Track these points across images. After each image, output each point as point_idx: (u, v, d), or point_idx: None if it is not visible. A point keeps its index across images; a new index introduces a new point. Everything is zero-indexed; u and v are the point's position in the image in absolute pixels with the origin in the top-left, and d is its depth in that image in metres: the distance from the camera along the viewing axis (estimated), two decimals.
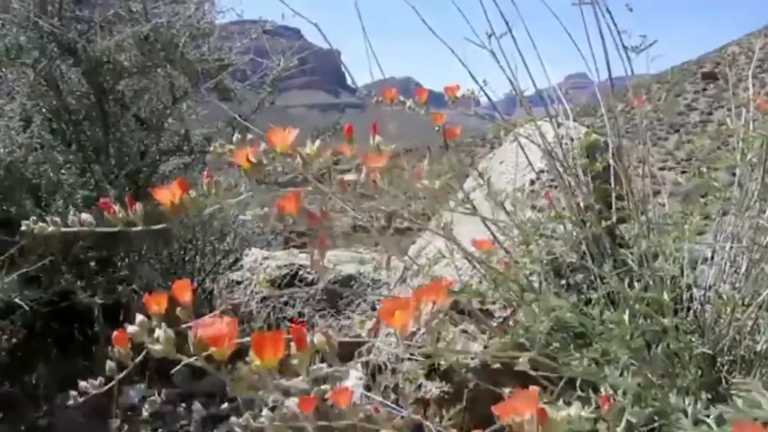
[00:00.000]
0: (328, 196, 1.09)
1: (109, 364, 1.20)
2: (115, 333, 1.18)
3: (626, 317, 1.42)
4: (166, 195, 1.12)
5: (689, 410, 1.20)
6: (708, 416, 1.19)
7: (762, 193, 1.77)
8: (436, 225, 1.46)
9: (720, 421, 1.17)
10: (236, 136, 1.20)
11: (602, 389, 1.27)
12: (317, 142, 1.16)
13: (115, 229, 1.16)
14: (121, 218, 1.16)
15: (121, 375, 1.18)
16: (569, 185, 2.03)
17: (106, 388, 1.19)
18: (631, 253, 1.63)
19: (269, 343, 0.86)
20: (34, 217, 1.21)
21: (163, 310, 1.06)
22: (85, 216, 1.19)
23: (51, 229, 1.18)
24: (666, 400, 1.27)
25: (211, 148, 1.30)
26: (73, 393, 1.22)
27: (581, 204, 1.93)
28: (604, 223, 1.81)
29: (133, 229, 1.15)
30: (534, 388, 0.85)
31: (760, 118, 1.89)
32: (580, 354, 1.47)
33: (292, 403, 0.91)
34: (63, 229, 1.18)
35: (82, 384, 1.20)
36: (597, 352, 1.45)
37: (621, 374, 1.36)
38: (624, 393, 1.28)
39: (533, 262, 1.73)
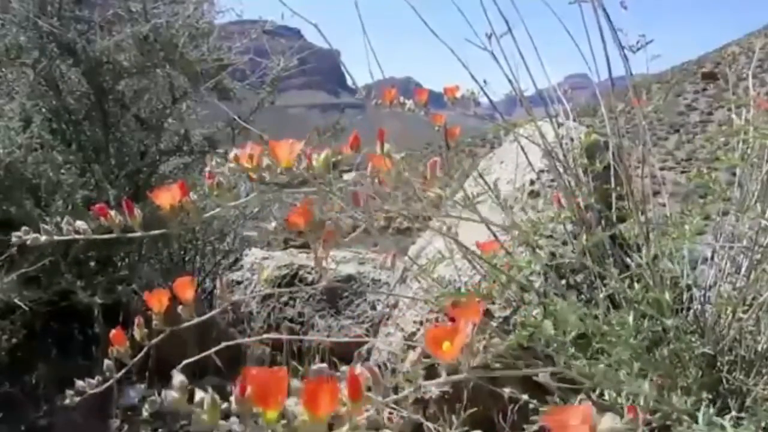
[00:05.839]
0: (328, 197, 1.08)
1: (107, 363, 1.19)
2: (112, 332, 1.17)
3: (630, 318, 1.42)
4: (166, 198, 1.10)
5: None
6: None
7: (762, 193, 1.76)
8: (437, 225, 1.46)
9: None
10: (235, 150, 1.17)
11: (606, 393, 1.27)
12: (324, 153, 1.14)
13: (113, 236, 1.15)
14: (118, 224, 1.15)
15: (119, 374, 1.18)
16: (569, 185, 2.03)
17: (104, 386, 1.19)
18: (631, 252, 1.63)
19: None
20: (26, 228, 1.19)
21: (164, 308, 1.06)
22: (80, 223, 1.17)
23: (44, 238, 1.17)
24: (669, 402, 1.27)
25: (211, 164, 1.26)
26: (69, 392, 1.21)
27: (581, 204, 1.93)
28: (603, 224, 1.81)
29: (131, 235, 1.14)
30: (588, 405, 0.78)
31: (760, 118, 1.89)
32: (582, 356, 1.47)
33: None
34: (57, 238, 1.16)
35: (79, 383, 1.20)
36: (600, 354, 1.44)
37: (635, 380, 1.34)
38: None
39: (535, 263, 1.73)
